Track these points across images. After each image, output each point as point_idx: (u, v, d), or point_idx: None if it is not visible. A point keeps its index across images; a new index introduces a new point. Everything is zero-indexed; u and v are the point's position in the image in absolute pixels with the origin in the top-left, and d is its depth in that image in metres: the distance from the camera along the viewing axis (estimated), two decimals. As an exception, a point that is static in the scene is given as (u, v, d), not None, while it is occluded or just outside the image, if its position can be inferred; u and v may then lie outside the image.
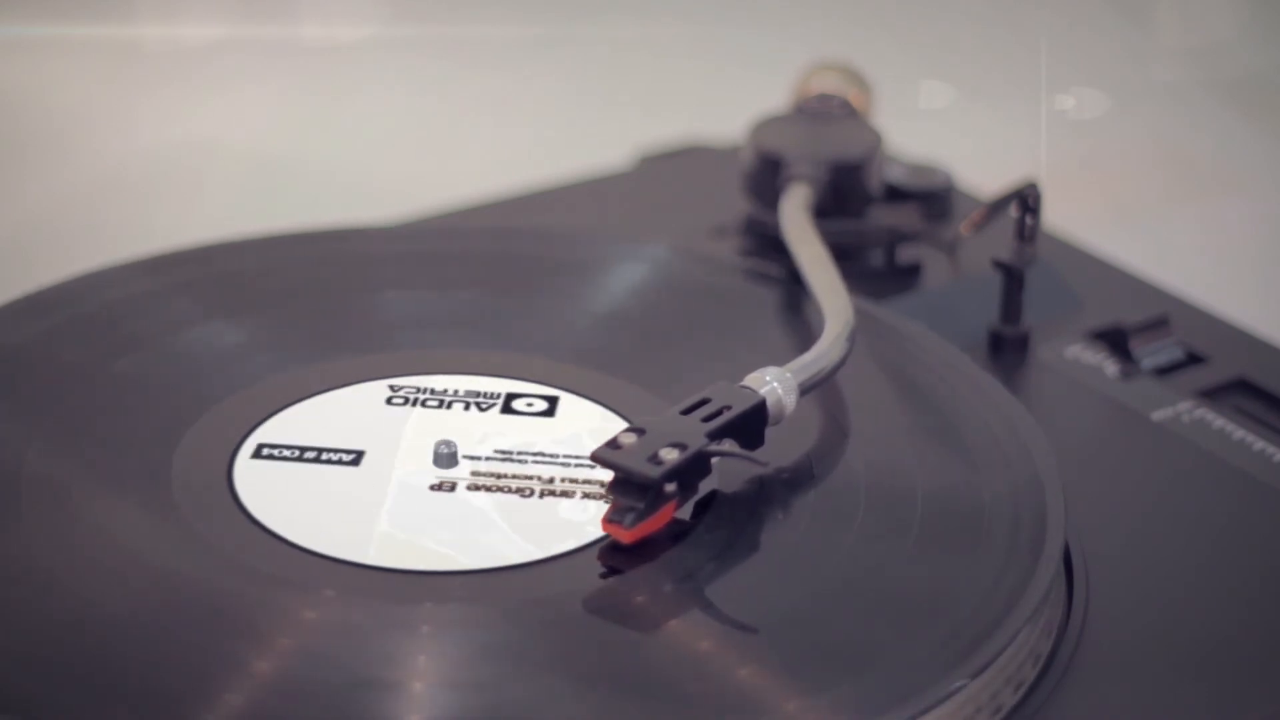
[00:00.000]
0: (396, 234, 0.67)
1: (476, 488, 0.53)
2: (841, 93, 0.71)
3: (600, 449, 0.51)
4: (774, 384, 0.53)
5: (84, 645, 0.47)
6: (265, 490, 0.52)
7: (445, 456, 0.54)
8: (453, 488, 0.53)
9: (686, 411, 0.52)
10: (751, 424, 0.53)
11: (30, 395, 0.56)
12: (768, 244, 0.68)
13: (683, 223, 0.70)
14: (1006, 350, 0.64)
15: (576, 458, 0.54)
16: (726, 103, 0.73)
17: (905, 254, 0.68)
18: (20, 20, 1.00)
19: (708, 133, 0.78)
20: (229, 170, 0.93)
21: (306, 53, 1.02)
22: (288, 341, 0.59)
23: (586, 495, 0.53)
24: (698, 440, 0.51)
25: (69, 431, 0.55)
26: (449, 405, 0.57)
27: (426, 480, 0.54)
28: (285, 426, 0.55)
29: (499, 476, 0.54)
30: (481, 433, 0.56)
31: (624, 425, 0.54)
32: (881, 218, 0.68)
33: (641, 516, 0.50)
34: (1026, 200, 0.64)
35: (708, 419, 0.52)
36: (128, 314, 0.60)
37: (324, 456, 0.54)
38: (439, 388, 0.57)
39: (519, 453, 0.55)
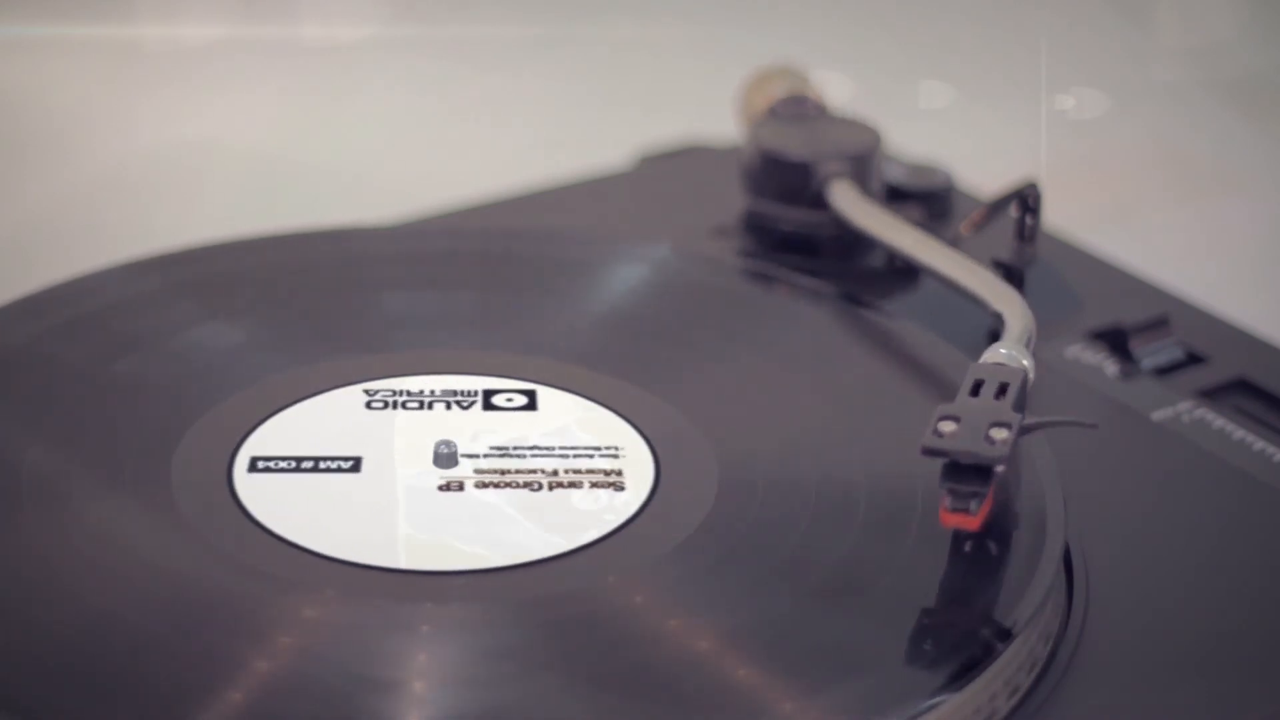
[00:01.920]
0: (396, 234, 0.67)
1: (484, 485, 0.53)
2: (799, 93, 0.71)
3: (930, 440, 0.50)
4: (1021, 358, 0.54)
5: (84, 645, 0.47)
6: (274, 504, 0.52)
7: (445, 456, 0.54)
8: (461, 487, 0.53)
9: (974, 393, 0.52)
10: (1020, 396, 0.53)
11: (30, 395, 0.56)
12: (769, 244, 0.68)
13: (683, 223, 0.70)
14: (1006, 350, 0.64)
15: (573, 448, 0.55)
16: (726, 103, 0.73)
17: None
18: (20, 20, 1.00)
19: (708, 133, 0.78)
20: (229, 170, 0.93)
21: (306, 53, 1.02)
22: (288, 342, 0.59)
23: (595, 485, 0.53)
24: (1015, 416, 0.51)
25: (69, 431, 0.55)
26: (429, 405, 0.57)
27: (432, 481, 0.54)
28: (272, 438, 0.55)
29: (503, 473, 0.54)
30: (472, 431, 0.56)
31: (606, 412, 0.54)
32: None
33: (983, 500, 0.50)
34: (1026, 200, 0.64)
35: (998, 396, 0.52)
36: (128, 314, 0.60)
37: (322, 465, 0.54)
38: (414, 389, 0.57)
39: (515, 448, 0.55)
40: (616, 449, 0.55)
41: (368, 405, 0.57)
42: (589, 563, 0.51)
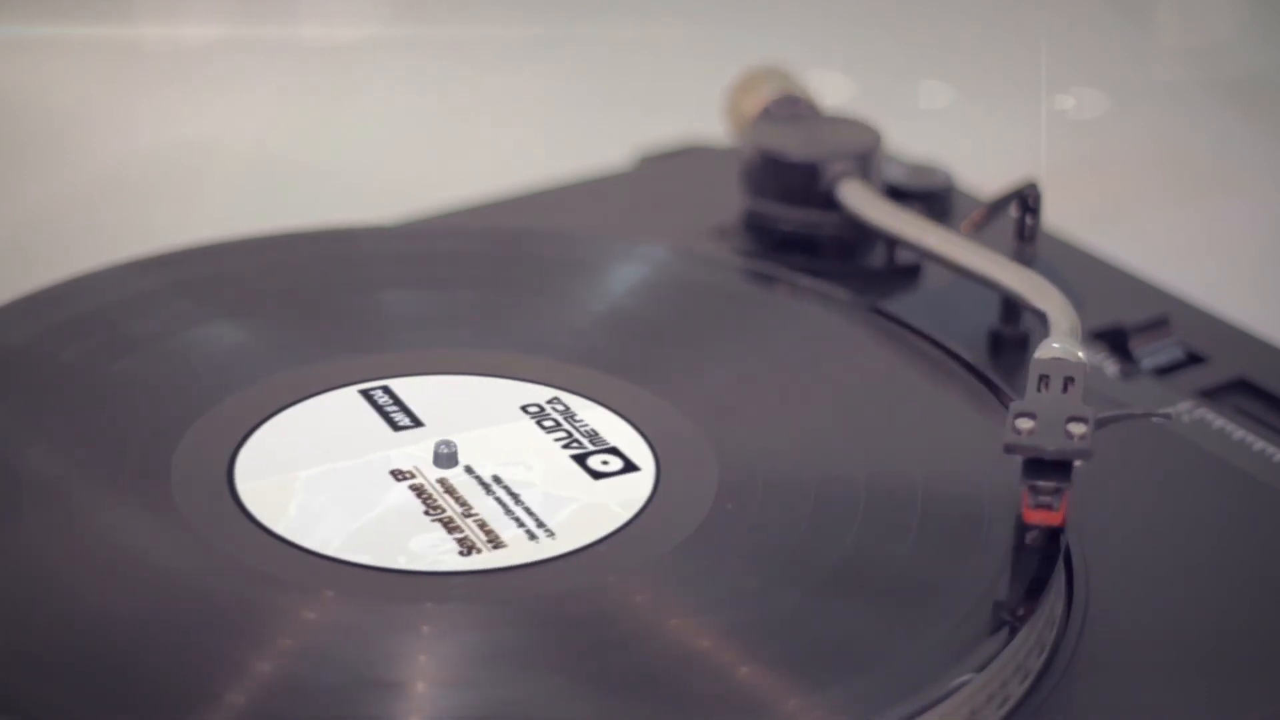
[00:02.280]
0: (396, 234, 0.67)
1: (487, 479, 0.54)
2: (790, 94, 0.71)
3: (1011, 438, 0.51)
4: (1076, 350, 0.54)
5: (84, 645, 0.47)
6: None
7: (445, 456, 0.54)
8: (482, 478, 0.54)
9: (1040, 388, 0.52)
10: (1084, 390, 0.53)
11: (30, 395, 0.56)
12: (769, 244, 0.68)
13: (683, 223, 0.70)
14: (1006, 350, 0.64)
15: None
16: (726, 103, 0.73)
17: (905, 254, 0.68)
18: (20, 20, 1.00)
19: (708, 133, 0.78)
20: (229, 170, 0.93)
21: (306, 53, 1.02)
22: (288, 342, 0.59)
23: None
24: (1089, 410, 0.51)
25: (69, 431, 0.55)
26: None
27: (460, 479, 0.54)
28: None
29: (506, 464, 0.54)
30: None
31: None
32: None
33: (1062, 495, 0.51)
34: (1026, 200, 0.64)
35: (1065, 389, 0.52)
36: (128, 314, 0.60)
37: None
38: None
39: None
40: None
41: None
42: (589, 563, 0.51)
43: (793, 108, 0.71)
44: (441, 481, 0.54)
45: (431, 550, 0.51)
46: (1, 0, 1.01)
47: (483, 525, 0.52)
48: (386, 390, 0.57)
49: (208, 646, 0.47)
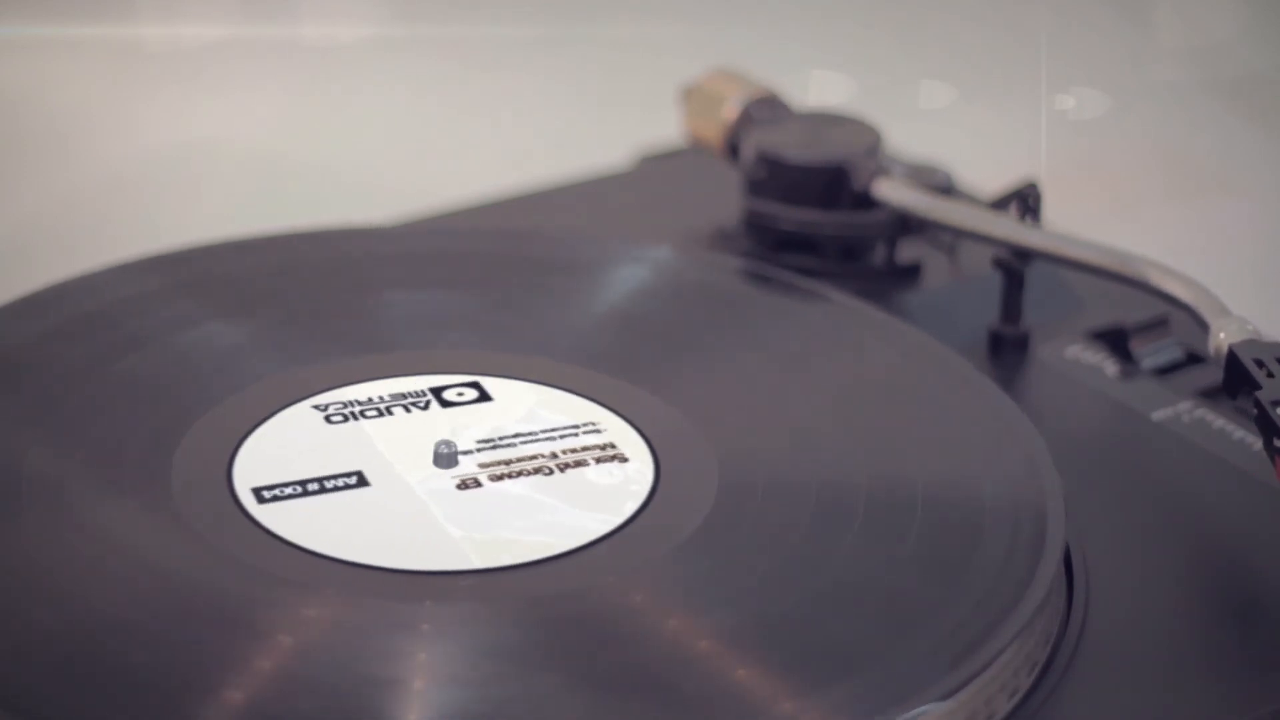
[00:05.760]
0: (396, 234, 0.67)
1: (499, 477, 0.54)
2: (761, 96, 0.71)
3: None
4: (1248, 324, 0.55)
5: (84, 645, 0.47)
6: (309, 528, 0.52)
7: (446, 456, 0.54)
8: (478, 483, 0.53)
9: (1268, 373, 0.53)
10: None
11: (30, 395, 0.56)
12: (769, 244, 0.68)
13: (682, 223, 0.70)
14: (1006, 350, 0.64)
15: (554, 430, 0.55)
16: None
17: (905, 254, 0.68)
18: (20, 20, 1.00)
19: (708, 133, 0.78)
20: (229, 170, 0.93)
21: (306, 53, 1.02)
22: (288, 342, 0.59)
23: (599, 460, 0.54)
24: None
25: (69, 431, 0.55)
26: (426, 407, 0.57)
27: (447, 483, 0.53)
28: (273, 438, 0.55)
29: (508, 463, 0.54)
30: (449, 427, 0.56)
31: (606, 412, 0.55)
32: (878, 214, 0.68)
33: None
34: (1026, 200, 0.64)
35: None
36: (128, 314, 0.60)
37: (328, 485, 0.54)
38: (362, 397, 0.57)
39: (501, 438, 0.55)
40: (594, 424, 0.56)
41: (328, 420, 0.56)
42: (589, 563, 0.51)
43: (772, 110, 0.70)
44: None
45: (609, 477, 0.52)
46: (2, 0, 1.01)
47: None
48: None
49: (207, 646, 0.47)
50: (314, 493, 0.53)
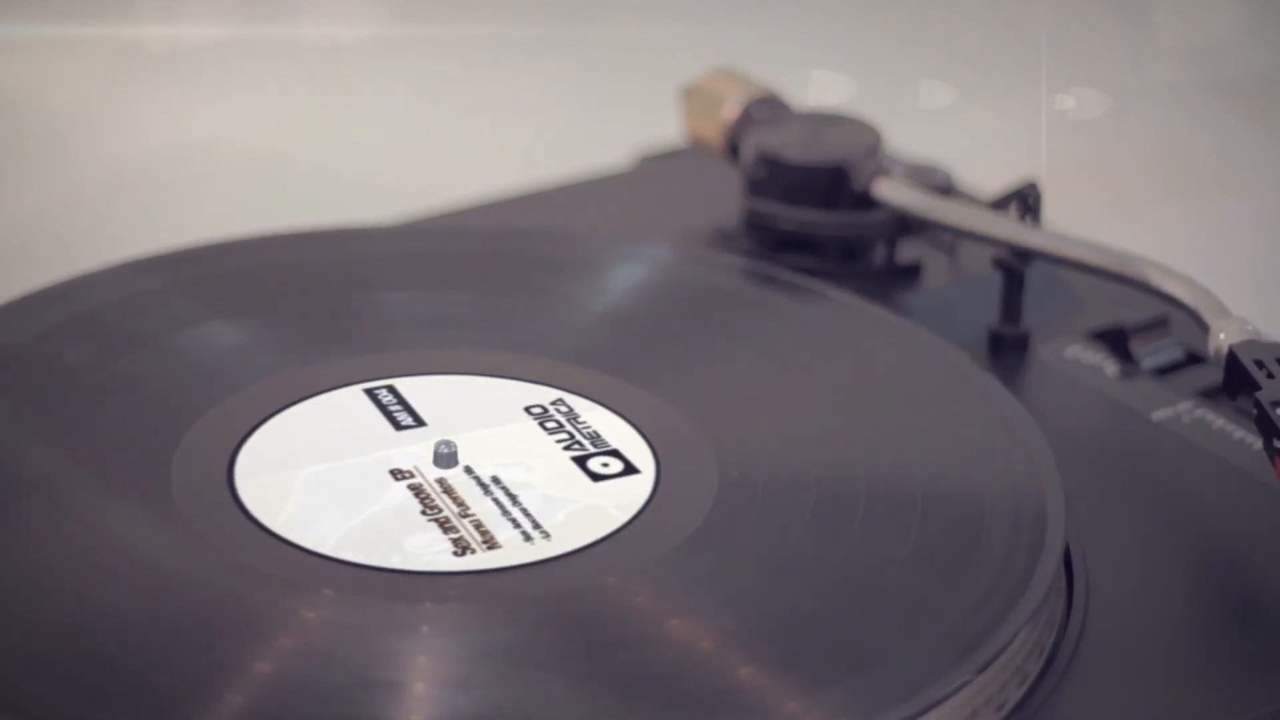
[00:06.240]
0: (396, 234, 0.67)
1: (499, 477, 0.54)
2: (761, 96, 0.71)
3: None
4: (1247, 324, 0.55)
5: (84, 645, 0.47)
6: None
7: (446, 456, 0.54)
8: (478, 483, 0.53)
9: (1266, 374, 0.53)
10: None
11: (30, 395, 0.56)
12: (769, 244, 0.68)
13: (682, 223, 0.70)
14: (1006, 350, 0.64)
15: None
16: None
17: (905, 254, 0.68)
18: (20, 20, 1.00)
19: (707, 133, 0.78)
20: (230, 170, 0.93)
21: (306, 53, 1.02)
22: (288, 342, 0.59)
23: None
24: None
25: (69, 431, 0.55)
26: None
27: (459, 479, 0.54)
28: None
29: (507, 463, 0.54)
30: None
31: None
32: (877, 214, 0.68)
33: None
34: (1026, 200, 0.64)
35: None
36: (128, 314, 0.60)
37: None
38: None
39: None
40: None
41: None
42: (589, 563, 0.51)
43: (772, 110, 0.70)
44: (440, 481, 0.54)
45: (426, 550, 0.51)
46: (2, 0, 1.01)
47: (479, 526, 0.52)
48: (391, 389, 0.57)
49: (207, 646, 0.47)
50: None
